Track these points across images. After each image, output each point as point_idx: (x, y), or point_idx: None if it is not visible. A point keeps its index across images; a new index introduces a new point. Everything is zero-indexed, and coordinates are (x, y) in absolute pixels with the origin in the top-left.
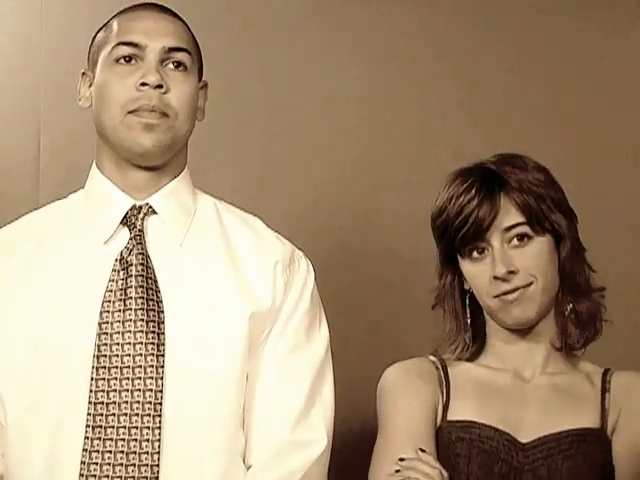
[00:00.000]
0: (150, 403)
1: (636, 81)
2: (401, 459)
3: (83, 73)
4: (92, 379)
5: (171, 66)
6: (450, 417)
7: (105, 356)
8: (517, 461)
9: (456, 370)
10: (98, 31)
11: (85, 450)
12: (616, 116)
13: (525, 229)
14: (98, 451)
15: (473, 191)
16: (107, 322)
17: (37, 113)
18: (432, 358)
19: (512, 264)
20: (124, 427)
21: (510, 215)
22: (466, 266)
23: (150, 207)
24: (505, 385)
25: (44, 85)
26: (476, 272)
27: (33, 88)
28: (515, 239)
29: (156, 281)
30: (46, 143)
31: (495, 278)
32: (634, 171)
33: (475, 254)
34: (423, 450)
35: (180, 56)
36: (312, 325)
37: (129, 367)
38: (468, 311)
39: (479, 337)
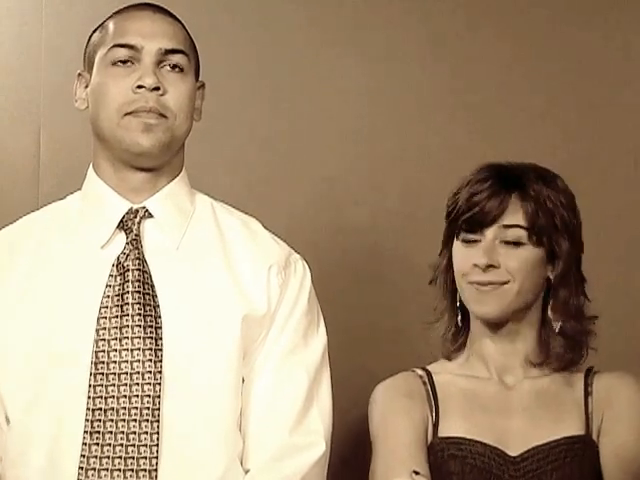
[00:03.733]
0: (148, 409)
1: (636, 81)
2: None
3: (79, 74)
4: (90, 385)
5: (168, 68)
6: (441, 434)
7: (103, 362)
8: (508, 475)
9: (442, 383)
10: (94, 31)
11: (83, 456)
12: (616, 116)
13: (522, 233)
14: (96, 457)
15: (488, 183)
16: (104, 328)
17: (37, 113)
18: (419, 372)
19: (496, 260)
20: (122, 433)
21: (514, 216)
22: (457, 247)
23: (146, 210)
24: (490, 395)
25: (44, 85)
26: (462, 254)
27: (33, 88)
28: (508, 238)
29: (153, 286)
30: (46, 142)
31: (475, 265)
32: (634, 172)
33: (470, 236)
34: (417, 472)
35: (177, 58)
36: (309, 328)
37: (127, 373)
38: (458, 295)
39: (464, 328)
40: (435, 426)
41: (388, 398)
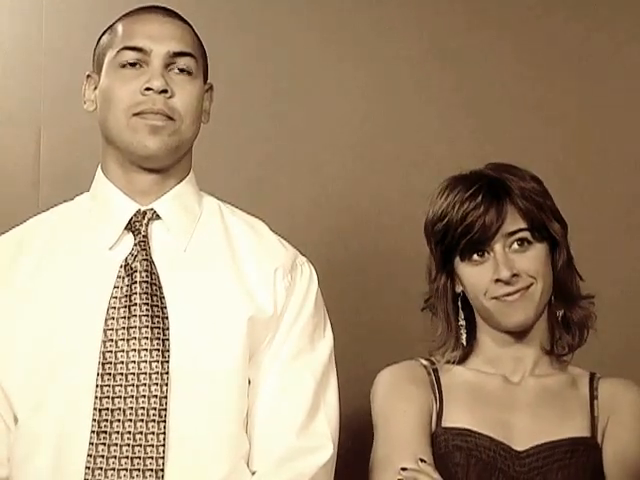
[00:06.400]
0: (155, 409)
1: (636, 81)
2: (403, 468)
3: (88, 76)
4: (97, 386)
5: (176, 70)
6: (445, 424)
7: (110, 363)
8: (514, 470)
9: (447, 374)
10: (103, 33)
11: (90, 455)
12: (616, 116)
13: (526, 234)
14: (103, 456)
15: (480, 197)
16: (112, 329)
17: (37, 113)
18: (424, 362)
19: (515, 267)
20: (129, 433)
21: (514, 221)
22: (465, 269)
23: (154, 212)
24: (495, 388)
25: (44, 85)
26: (476, 274)
27: (33, 88)
28: (515, 244)
29: (160, 287)
30: (46, 143)
31: (497, 281)
32: (634, 172)
33: (475, 257)
34: (423, 460)
35: (185, 61)
36: (316, 331)
37: (134, 374)
38: (461, 313)
39: (469, 341)
40: (439, 415)
41: (392, 383)
